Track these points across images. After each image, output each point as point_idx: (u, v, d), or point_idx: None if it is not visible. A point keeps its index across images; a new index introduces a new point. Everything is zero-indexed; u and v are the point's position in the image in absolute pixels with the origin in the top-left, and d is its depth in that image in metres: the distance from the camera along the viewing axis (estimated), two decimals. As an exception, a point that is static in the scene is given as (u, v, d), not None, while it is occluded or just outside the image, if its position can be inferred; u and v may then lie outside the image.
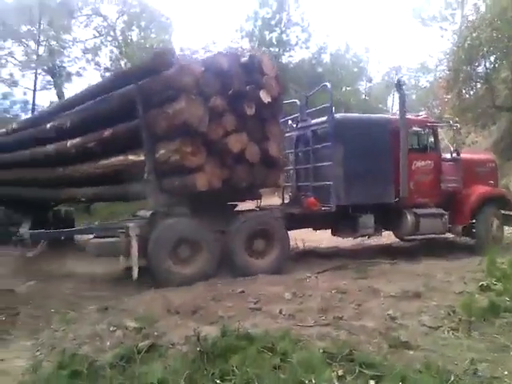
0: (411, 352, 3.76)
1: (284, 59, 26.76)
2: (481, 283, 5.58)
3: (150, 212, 7.42)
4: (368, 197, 8.16)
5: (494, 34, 14.39)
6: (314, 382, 2.93)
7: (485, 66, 16.08)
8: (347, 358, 3.41)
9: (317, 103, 9.85)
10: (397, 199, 8.36)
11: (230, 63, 7.40)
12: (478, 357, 3.59)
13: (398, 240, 10.10)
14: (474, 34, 14.88)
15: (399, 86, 8.75)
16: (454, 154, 9.10)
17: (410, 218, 8.46)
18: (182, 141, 6.97)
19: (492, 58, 16.39)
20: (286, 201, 9.50)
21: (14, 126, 12.88)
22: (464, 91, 17.50)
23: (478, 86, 17.69)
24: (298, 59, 27.14)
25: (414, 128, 8.89)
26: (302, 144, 9.12)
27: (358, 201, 8.10)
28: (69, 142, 9.22)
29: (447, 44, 18.53)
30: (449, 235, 9.40)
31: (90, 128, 8.67)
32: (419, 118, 9.58)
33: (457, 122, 10.46)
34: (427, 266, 7.47)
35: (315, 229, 9.00)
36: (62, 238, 8.27)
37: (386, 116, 9.99)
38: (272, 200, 10.50)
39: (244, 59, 7.73)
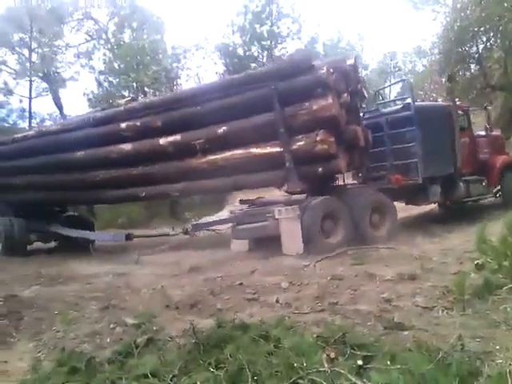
0: (405, 333, 3.80)
1: (276, 51, 26.72)
2: (476, 262, 5.62)
3: (304, 196, 8.84)
4: (438, 169, 9.98)
5: (484, 14, 14.32)
6: (305, 365, 2.99)
7: (476, 46, 16.02)
8: (340, 341, 3.47)
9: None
10: (453, 170, 10.13)
11: (348, 65, 9.01)
12: (471, 333, 3.64)
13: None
14: (463, 15, 14.83)
15: (450, 79, 11.59)
16: (488, 131, 11.18)
17: (462, 184, 10.27)
18: (326, 132, 8.19)
19: (484, 38, 16.35)
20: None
21: (54, 128, 12.69)
22: (458, 73, 17.45)
23: (472, 67, 17.65)
24: (290, 51, 27.03)
25: (458, 112, 10.63)
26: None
27: (433, 173, 9.86)
28: (161, 140, 9.75)
29: (440, 27, 18.51)
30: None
31: (195, 125, 9.38)
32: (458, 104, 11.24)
33: (488, 106, 12.54)
34: (425, 248, 7.55)
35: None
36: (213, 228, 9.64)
37: (442, 103, 11.79)
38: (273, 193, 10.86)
39: (350, 61, 9.21)
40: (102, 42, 26.47)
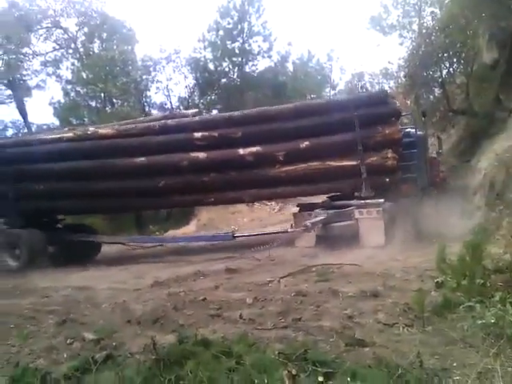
0: (366, 349, 3.83)
1: (247, 68, 26.96)
2: (436, 280, 5.74)
3: (382, 200, 10.01)
4: (423, 182, 11.68)
5: (447, 41, 14.87)
6: (266, 381, 2.97)
7: (440, 71, 16.57)
8: (301, 358, 3.47)
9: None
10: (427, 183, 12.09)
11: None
12: (430, 350, 3.70)
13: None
14: (428, 40, 15.35)
15: (424, 115, 13.10)
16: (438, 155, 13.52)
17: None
18: (393, 151, 10.40)
19: (447, 64, 16.95)
20: None
21: (103, 131, 12.02)
22: (422, 96, 18.01)
23: (436, 91, 18.24)
24: (261, 68, 27.32)
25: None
26: None
27: (421, 185, 11.55)
28: (241, 150, 10.92)
29: (406, 51, 19.11)
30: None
31: (277, 139, 10.82)
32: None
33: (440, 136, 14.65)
34: (388, 266, 7.64)
35: None
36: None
37: (422, 132, 12.92)
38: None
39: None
40: (70, 51, 26.09)
